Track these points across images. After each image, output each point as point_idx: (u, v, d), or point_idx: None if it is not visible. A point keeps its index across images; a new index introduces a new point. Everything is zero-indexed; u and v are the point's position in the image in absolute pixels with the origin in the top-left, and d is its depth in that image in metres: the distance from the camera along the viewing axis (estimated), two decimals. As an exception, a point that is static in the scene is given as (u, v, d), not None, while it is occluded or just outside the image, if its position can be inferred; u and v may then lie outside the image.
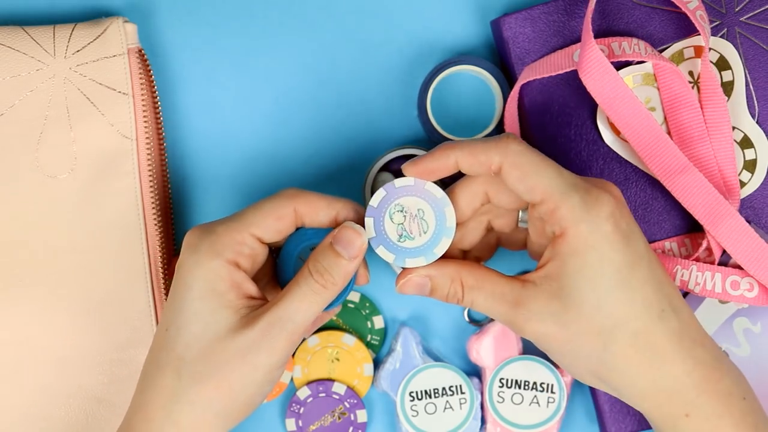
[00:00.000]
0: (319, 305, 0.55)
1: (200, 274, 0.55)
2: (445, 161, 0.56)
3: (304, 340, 0.71)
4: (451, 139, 0.69)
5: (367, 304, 0.72)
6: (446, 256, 0.58)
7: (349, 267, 0.56)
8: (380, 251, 0.57)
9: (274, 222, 0.56)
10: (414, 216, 0.57)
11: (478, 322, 0.72)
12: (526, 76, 0.68)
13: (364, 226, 0.57)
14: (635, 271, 0.54)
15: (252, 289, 0.56)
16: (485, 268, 0.58)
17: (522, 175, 0.54)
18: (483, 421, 0.72)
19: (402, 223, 0.57)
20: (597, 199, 0.54)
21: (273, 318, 0.54)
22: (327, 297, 0.55)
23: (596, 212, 0.54)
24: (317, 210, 0.57)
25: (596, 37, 0.68)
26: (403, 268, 0.58)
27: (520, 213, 0.60)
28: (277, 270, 0.59)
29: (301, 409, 0.71)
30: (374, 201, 0.57)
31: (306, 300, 0.55)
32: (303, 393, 0.71)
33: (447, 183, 0.65)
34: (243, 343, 0.54)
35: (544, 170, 0.54)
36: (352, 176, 0.73)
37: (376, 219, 0.57)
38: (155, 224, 0.68)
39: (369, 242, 0.56)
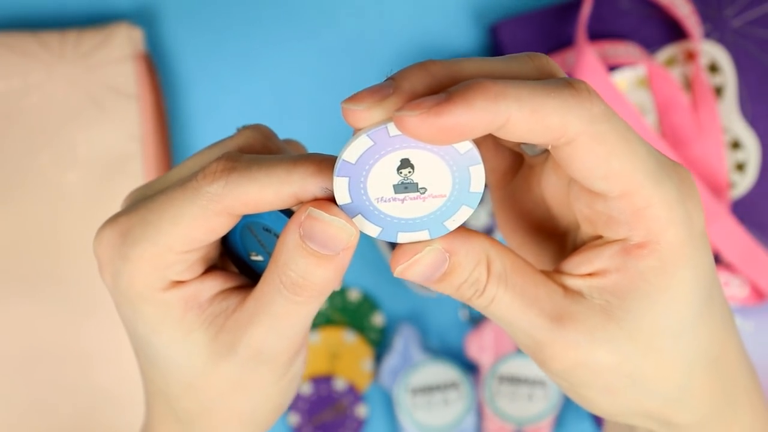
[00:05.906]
0: (305, 320, 0.38)
1: (141, 309, 0.39)
2: (489, 115, 0.32)
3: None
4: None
5: (368, 302, 0.73)
6: None
7: (339, 266, 0.36)
8: (358, 221, 0.35)
9: (204, 234, 0.37)
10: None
11: (476, 320, 0.74)
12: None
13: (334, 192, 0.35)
14: (717, 279, 0.39)
15: (216, 285, 0.39)
16: (517, 255, 0.37)
17: (607, 155, 0.34)
18: (480, 415, 0.73)
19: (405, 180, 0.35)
20: (691, 186, 0.36)
21: (250, 352, 0.39)
22: (313, 308, 0.38)
23: (692, 207, 0.36)
24: (265, 195, 0.36)
25: (590, 41, 0.69)
26: (396, 244, 0.36)
27: None
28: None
29: (303, 404, 0.72)
30: (351, 154, 0.33)
31: (283, 321, 0.38)
32: (305, 388, 0.73)
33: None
34: (229, 376, 0.40)
35: (635, 146, 0.34)
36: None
37: (353, 180, 0.34)
38: (161, 224, 0.68)
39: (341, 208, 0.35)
